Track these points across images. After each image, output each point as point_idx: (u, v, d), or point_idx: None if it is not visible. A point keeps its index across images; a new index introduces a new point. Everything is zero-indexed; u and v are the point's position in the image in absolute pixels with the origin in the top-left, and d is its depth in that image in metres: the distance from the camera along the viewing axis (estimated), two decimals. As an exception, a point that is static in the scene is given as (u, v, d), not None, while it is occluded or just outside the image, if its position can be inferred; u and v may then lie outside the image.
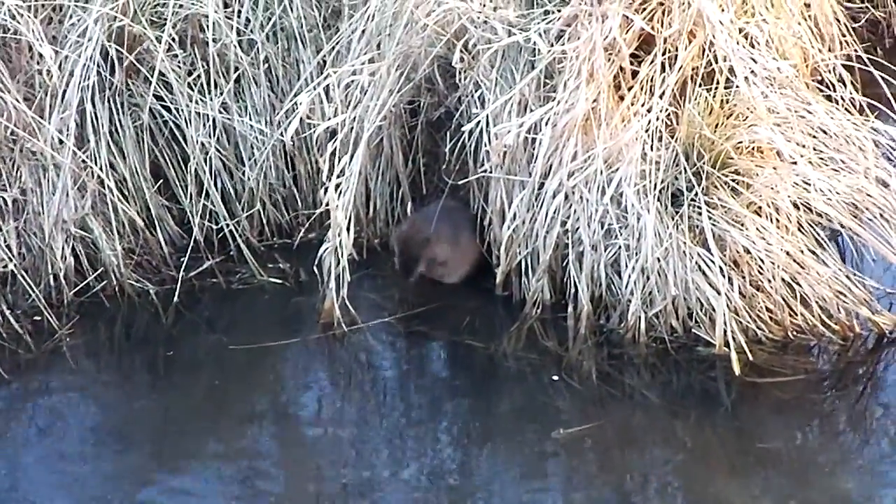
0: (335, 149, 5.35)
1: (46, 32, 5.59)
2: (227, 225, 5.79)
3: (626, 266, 5.18)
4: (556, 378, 5.10)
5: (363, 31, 5.69)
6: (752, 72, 5.34)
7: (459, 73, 5.49)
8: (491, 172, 5.39)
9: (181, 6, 5.80)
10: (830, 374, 5.14)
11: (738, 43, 5.39)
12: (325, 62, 5.83)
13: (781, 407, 4.92)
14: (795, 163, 5.26)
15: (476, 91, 5.49)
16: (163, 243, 5.74)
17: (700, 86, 5.36)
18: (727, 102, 5.34)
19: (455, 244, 5.58)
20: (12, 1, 5.44)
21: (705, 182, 5.25)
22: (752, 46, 5.52)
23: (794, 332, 5.20)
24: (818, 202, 5.23)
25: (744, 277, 5.18)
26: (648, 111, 5.29)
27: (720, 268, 5.10)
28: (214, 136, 5.78)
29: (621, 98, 5.35)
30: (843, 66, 5.83)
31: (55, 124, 5.49)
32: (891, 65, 5.87)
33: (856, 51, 5.97)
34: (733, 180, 5.25)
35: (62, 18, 5.74)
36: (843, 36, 6.33)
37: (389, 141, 5.79)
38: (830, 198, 5.25)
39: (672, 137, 5.30)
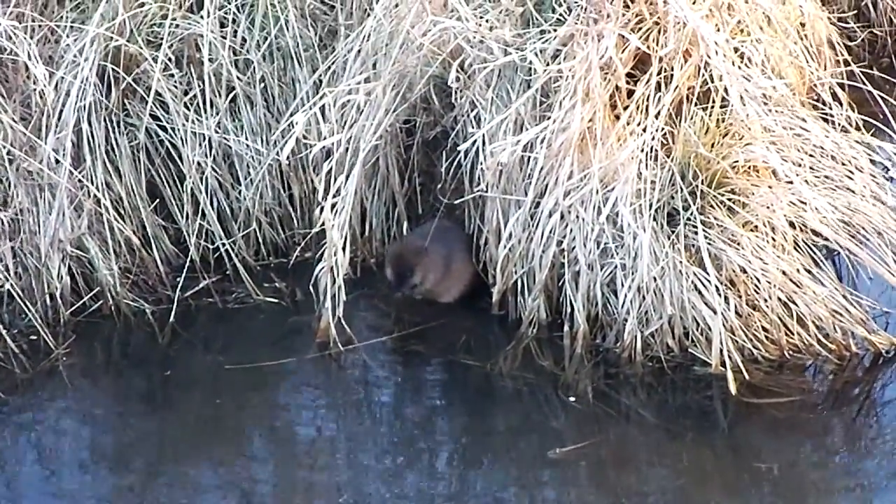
0: (331, 168, 5.36)
1: (43, 52, 5.60)
2: (223, 244, 5.79)
3: (623, 285, 5.18)
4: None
5: (359, 51, 5.70)
6: (746, 90, 5.34)
7: (455, 92, 5.49)
8: (487, 192, 5.40)
9: (177, 26, 5.81)
10: (827, 394, 5.13)
11: (732, 63, 5.39)
12: (320, 82, 5.83)
13: (777, 426, 4.92)
14: (791, 182, 5.26)
15: (472, 110, 5.49)
16: (159, 263, 5.74)
17: (696, 105, 5.36)
18: (723, 121, 5.35)
19: (449, 264, 5.57)
20: (8, 21, 5.45)
21: (701, 201, 5.25)
22: (748, 65, 5.53)
23: (791, 352, 5.20)
24: (814, 221, 5.22)
25: (740, 297, 5.18)
26: (644, 130, 5.29)
27: (716, 287, 5.10)
28: (210, 155, 5.78)
29: (617, 117, 5.36)
30: (839, 84, 5.83)
31: (51, 144, 5.49)
32: (886, 83, 5.88)
33: (851, 69, 5.97)
34: (729, 199, 5.25)
35: (59, 38, 5.74)
36: (840, 55, 6.34)
37: (385, 160, 5.80)
38: (826, 216, 5.25)
39: (668, 156, 5.30)
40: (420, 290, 5.57)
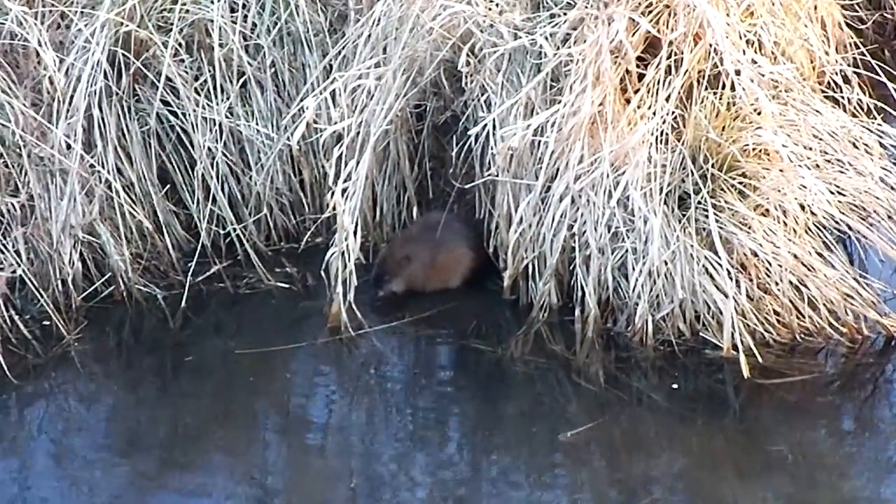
0: (341, 153, 5.37)
1: (53, 38, 5.61)
2: (235, 230, 5.80)
3: (634, 269, 5.18)
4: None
5: (369, 36, 5.70)
6: (752, 75, 5.32)
7: (465, 76, 5.49)
8: (497, 176, 5.39)
9: (188, 11, 5.81)
10: (838, 377, 5.13)
11: (741, 50, 5.38)
12: (331, 67, 5.82)
13: (789, 409, 4.92)
14: (801, 166, 5.26)
15: (482, 95, 5.49)
16: (170, 248, 5.75)
17: (706, 89, 5.35)
18: (733, 105, 5.34)
19: (433, 262, 5.59)
20: (18, 7, 5.45)
21: (712, 185, 5.25)
22: (759, 50, 5.52)
23: (802, 335, 5.20)
24: (825, 204, 5.21)
25: (751, 280, 5.18)
26: (654, 114, 5.29)
27: (727, 271, 5.10)
28: (221, 140, 5.78)
29: (627, 101, 5.35)
30: (850, 67, 5.82)
31: (63, 129, 5.50)
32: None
33: (862, 53, 5.96)
34: (740, 183, 5.25)
35: (69, 23, 5.74)
36: (850, 38, 6.32)
37: (396, 145, 5.80)
38: (838, 200, 5.25)
39: (678, 140, 5.30)
40: (399, 291, 5.60)
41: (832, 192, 5.25)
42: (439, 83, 5.71)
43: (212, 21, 5.80)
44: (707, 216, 5.17)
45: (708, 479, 4.64)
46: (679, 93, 5.33)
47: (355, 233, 5.32)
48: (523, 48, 5.44)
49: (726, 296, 5.07)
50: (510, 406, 5.04)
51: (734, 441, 4.82)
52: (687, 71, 5.33)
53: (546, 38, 5.36)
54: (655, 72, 5.35)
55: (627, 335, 5.25)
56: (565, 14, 5.41)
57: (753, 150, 5.31)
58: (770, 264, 5.16)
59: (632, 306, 5.22)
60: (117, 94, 5.74)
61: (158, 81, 5.73)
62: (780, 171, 5.25)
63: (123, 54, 5.71)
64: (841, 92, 5.74)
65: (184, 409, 5.05)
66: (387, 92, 5.55)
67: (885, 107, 5.69)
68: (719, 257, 5.11)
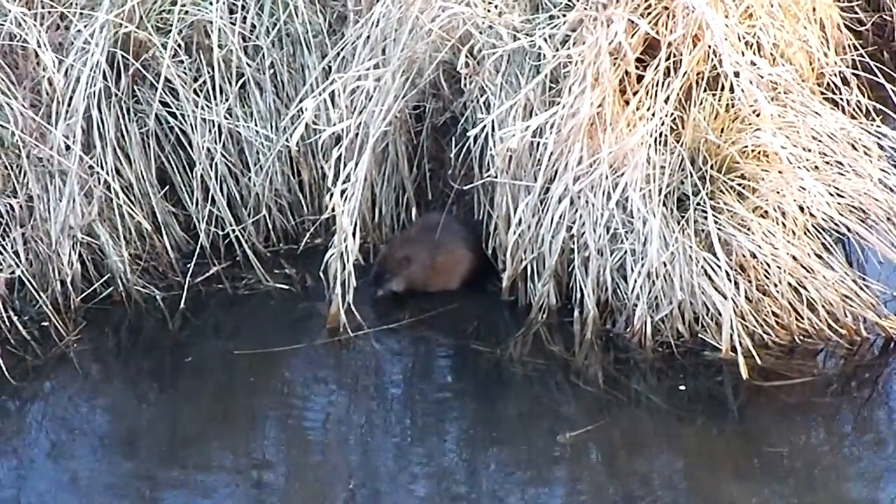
0: (340, 154, 5.36)
1: (52, 39, 5.61)
2: (234, 231, 5.80)
3: (632, 270, 5.18)
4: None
5: (368, 37, 5.69)
6: (750, 77, 5.33)
7: (465, 78, 5.49)
8: (496, 177, 5.39)
9: (187, 12, 5.81)
10: (837, 379, 5.13)
11: (740, 52, 5.38)
12: (330, 68, 5.82)
13: (788, 411, 4.92)
14: (800, 167, 5.26)
15: (481, 96, 5.50)
16: (169, 249, 5.75)
17: (705, 90, 5.35)
18: (732, 107, 5.34)
19: (433, 263, 5.59)
20: (18, 8, 5.45)
21: (711, 186, 5.25)
22: (758, 51, 5.52)
23: (801, 337, 5.20)
24: (824, 206, 5.21)
25: (750, 282, 5.18)
26: (653, 115, 5.29)
27: (726, 272, 5.10)
28: (220, 141, 5.78)
29: (626, 102, 5.35)
30: (849, 69, 5.83)
31: (62, 130, 5.50)
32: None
33: (861, 55, 5.96)
34: (739, 185, 5.25)
35: (68, 25, 5.74)
36: (849, 40, 6.32)
37: (395, 146, 5.80)
38: (837, 202, 5.25)
39: (678, 142, 5.31)
40: (398, 290, 5.60)
41: (831, 194, 5.25)
42: (438, 84, 5.71)
43: (211, 22, 5.80)
44: (706, 218, 5.17)
45: (707, 480, 4.65)
46: (678, 94, 5.33)
47: (354, 234, 5.32)
48: (522, 49, 5.44)
49: (725, 297, 5.07)
50: (509, 407, 5.04)
51: (733, 442, 4.82)
52: (686, 72, 5.33)
53: (545, 40, 5.36)
54: (654, 73, 5.35)
55: (626, 336, 5.26)
56: (564, 16, 5.41)
57: (752, 151, 5.31)
58: (769, 266, 5.16)
59: (630, 308, 5.22)
60: (116, 95, 5.74)
61: (157, 82, 5.73)
62: (779, 172, 5.25)
63: (122, 55, 5.71)
64: (840, 94, 5.74)
65: (183, 409, 5.06)
66: (386, 93, 5.55)
67: (884, 108, 5.69)
68: (718, 259, 5.11)
